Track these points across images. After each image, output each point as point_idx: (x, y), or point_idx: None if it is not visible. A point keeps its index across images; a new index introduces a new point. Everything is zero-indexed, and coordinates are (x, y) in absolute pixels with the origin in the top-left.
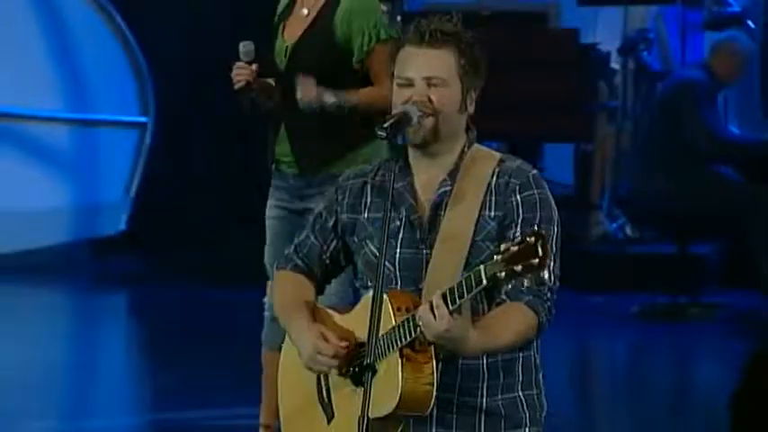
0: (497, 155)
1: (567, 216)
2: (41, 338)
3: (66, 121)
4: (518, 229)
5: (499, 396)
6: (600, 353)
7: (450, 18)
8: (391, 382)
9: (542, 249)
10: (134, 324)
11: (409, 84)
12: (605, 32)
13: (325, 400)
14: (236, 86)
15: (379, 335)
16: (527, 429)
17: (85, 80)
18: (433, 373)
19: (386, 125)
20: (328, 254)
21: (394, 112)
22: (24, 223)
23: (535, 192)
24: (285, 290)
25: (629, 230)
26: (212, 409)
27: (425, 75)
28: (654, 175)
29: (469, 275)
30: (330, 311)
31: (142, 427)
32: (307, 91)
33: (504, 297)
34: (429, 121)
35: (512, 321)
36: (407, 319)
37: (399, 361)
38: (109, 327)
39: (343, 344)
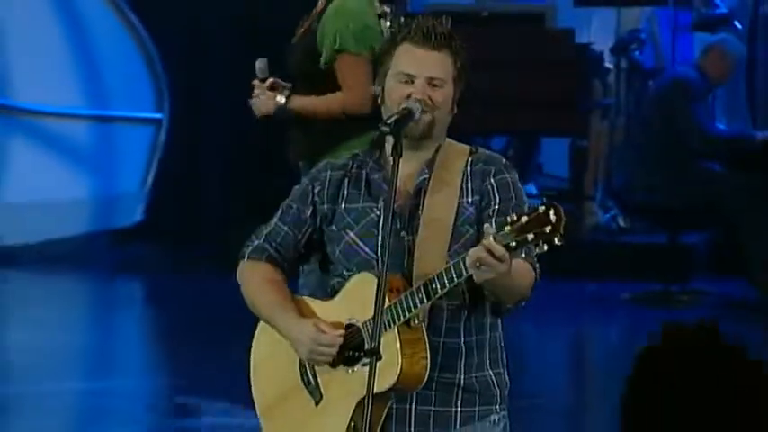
0: (467, 147)
1: (562, 207)
2: (62, 323)
3: (86, 117)
4: (497, 206)
5: (473, 373)
6: (593, 338)
7: (442, 21)
8: (390, 360)
9: (556, 217)
10: (150, 310)
11: (410, 80)
12: (599, 33)
13: (311, 383)
14: (257, 115)
15: (371, 316)
16: (497, 407)
17: (104, 79)
18: (426, 349)
19: (390, 121)
20: (302, 243)
21: (398, 108)
22: (46, 215)
23: (507, 175)
24: (263, 285)
25: (621, 221)
26: (224, 393)
27: (428, 75)
28: (645, 168)
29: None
30: (308, 301)
31: (157, 408)
32: (261, 105)
33: None
34: (427, 118)
35: (525, 270)
36: (411, 292)
37: (397, 338)
38: (126, 313)
39: (339, 332)
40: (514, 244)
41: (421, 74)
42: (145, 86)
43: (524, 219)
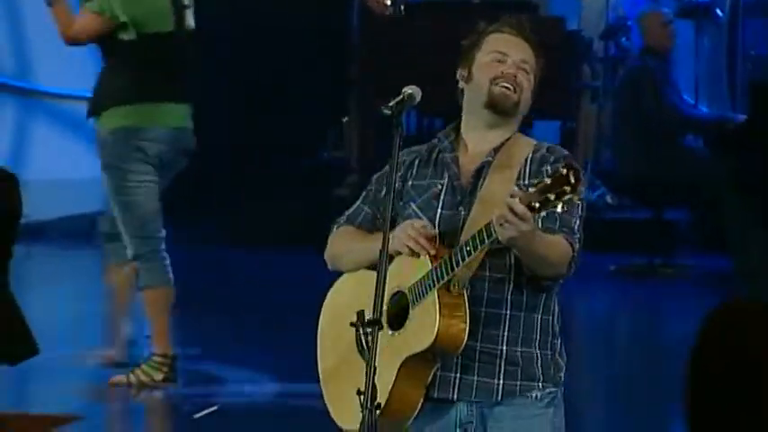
0: (534, 140)
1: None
2: (80, 295)
3: None
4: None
5: (518, 348)
6: (582, 308)
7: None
8: (428, 321)
9: (574, 177)
10: None
11: (502, 60)
12: (589, 20)
13: (365, 348)
14: None
15: (416, 280)
16: (541, 384)
17: None
18: (465, 313)
19: (391, 104)
20: (380, 217)
21: (487, 85)
22: (65, 192)
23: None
24: (347, 232)
25: (608, 198)
26: (233, 358)
27: (521, 57)
28: (631, 148)
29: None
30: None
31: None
32: None
33: None
34: (515, 96)
35: (558, 242)
36: (449, 256)
37: (437, 301)
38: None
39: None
40: (537, 205)
41: (514, 54)
42: None
43: (547, 180)
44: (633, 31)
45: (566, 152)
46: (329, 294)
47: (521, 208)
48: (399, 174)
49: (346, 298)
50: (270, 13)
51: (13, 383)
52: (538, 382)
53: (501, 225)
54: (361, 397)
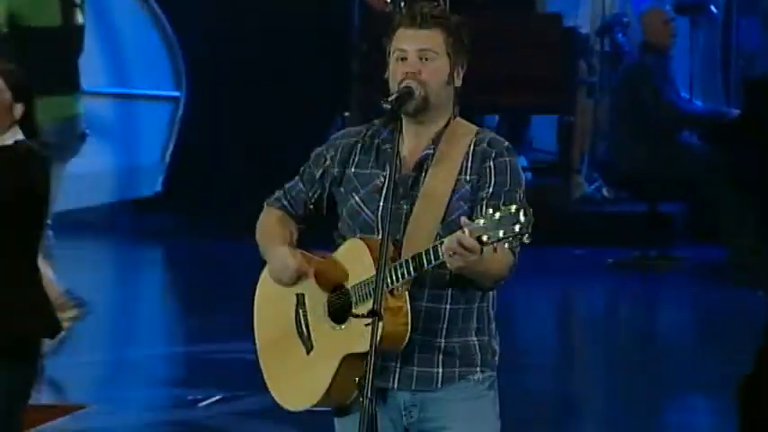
0: (475, 127)
1: (550, 179)
2: (89, 284)
3: (110, 95)
4: (491, 189)
5: (455, 338)
6: (580, 299)
7: (437, 4)
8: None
9: (524, 218)
10: (169, 273)
11: (404, 57)
12: (585, 17)
13: (305, 333)
14: None
15: (360, 281)
16: (478, 369)
17: (127, 61)
18: (407, 315)
19: (391, 99)
20: (312, 200)
21: (398, 88)
22: (74, 185)
23: (507, 159)
24: (270, 222)
25: (605, 192)
26: (235, 343)
27: (418, 47)
28: (627, 143)
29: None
30: (310, 255)
31: (175, 358)
32: None
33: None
34: (422, 92)
35: (501, 255)
36: (397, 265)
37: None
38: (147, 275)
39: (307, 266)
40: (486, 238)
41: (411, 48)
42: (164, 68)
43: (497, 215)
44: (633, 27)
45: (506, 144)
46: (264, 272)
47: (470, 242)
48: (337, 158)
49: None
50: (273, 13)
51: None
52: (476, 367)
53: (450, 256)
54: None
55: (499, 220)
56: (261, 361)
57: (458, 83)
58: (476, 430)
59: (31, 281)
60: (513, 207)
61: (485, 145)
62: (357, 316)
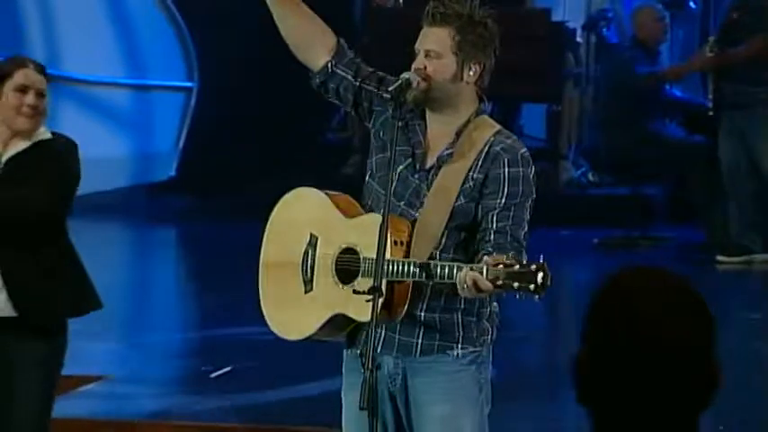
0: (496, 127)
1: (540, 165)
2: (105, 266)
3: (126, 86)
4: (503, 200)
5: (437, 314)
6: (567, 276)
7: (461, 0)
8: (367, 303)
9: (542, 279)
10: (182, 255)
11: (417, 53)
12: (572, 11)
13: (308, 274)
14: None
15: (371, 256)
16: (458, 345)
17: (142, 52)
18: (407, 296)
19: (391, 88)
20: (359, 79)
21: (401, 76)
22: (91, 170)
23: (521, 169)
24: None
25: (591, 176)
26: (248, 326)
27: (425, 48)
28: (611, 130)
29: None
30: (347, 202)
31: (188, 341)
32: None
33: (489, 249)
34: (423, 85)
35: None
36: (410, 263)
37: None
38: (161, 257)
39: None
40: (500, 283)
41: (420, 47)
42: (177, 59)
43: (516, 267)
44: (618, 21)
45: (521, 151)
46: (291, 195)
47: (485, 285)
48: (380, 114)
49: (303, 212)
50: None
51: None
52: (456, 343)
53: (462, 288)
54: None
55: (517, 273)
56: (260, 276)
57: (469, 79)
58: (453, 401)
59: (72, 261)
60: (534, 266)
61: (499, 148)
62: (358, 292)
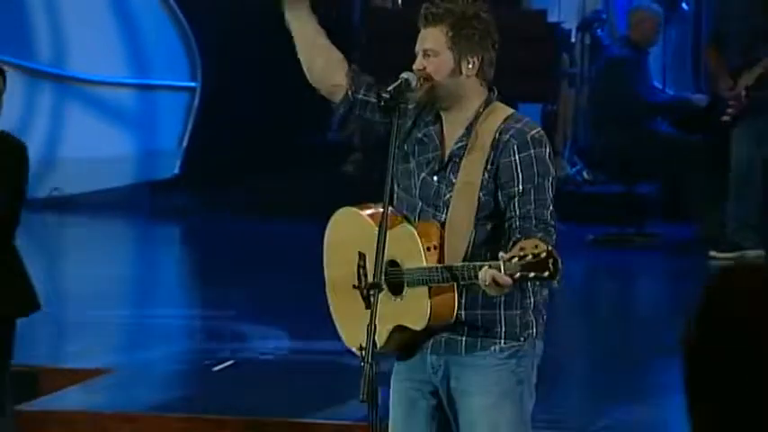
0: (505, 113)
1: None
2: (110, 261)
3: (131, 85)
4: (521, 186)
5: (479, 311)
6: (565, 274)
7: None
8: (421, 308)
9: (553, 266)
10: (185, 250)
11: (416, 55)
12: (567, 13)
13: (364, 292)
14: None
15: (414, 266)
16: (502, 341)
17: (146, 53)
18: (454, 297)
19: (390, 88)
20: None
21: (400, 76)
22: (97, 168)
23: (532, 151)
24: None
25: (585, 174)
26: (249, 322)
27: (422, 48)
28: (605, 129)
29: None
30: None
31: (191, 335)
32: None
33: (518, 236)
34: (425, 85)
35: None
36: (439, 269)
37: (428, 295)
38: (165, 252)
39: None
40: (518, 276)
41: (419, 48)
42: (181, 59)
43: (529, 257)
44: (612, 22)
45: (532, 133)
46: (339, 214)
47: (504, 280)
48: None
49: (348, 232)
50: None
51: (46, 339)
52: (499, 338)
53: (485, 285)
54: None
55: (531, 263)
56: (328, 296)
57: (469, 73)
58: (490, 394)
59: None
60: (544, 254)
61: (508, 136)
62: (401, 291)
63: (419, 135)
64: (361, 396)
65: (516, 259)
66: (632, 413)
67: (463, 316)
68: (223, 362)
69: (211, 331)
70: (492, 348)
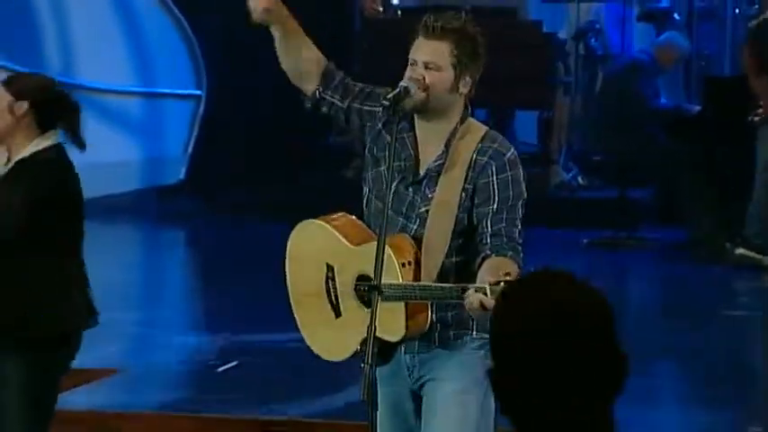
0: (482, 131)
1: (532, 169)
2: (117, 265)
3: (137, 93)
4: (495, 205)
5: (450, 312)
6: None
7: (455, 15)
8: (397, 321)
9: None
10: (190, 254)
11: (413, 64)
12: (563, 24)
13: (334, 302)
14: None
15: (386, 281)
16: (473, 332)
17: (152, 62)
18: (428, 308)
19: (389, 96)
20: (349, 98)
21: (399, 85)
22: (104, 174)
23: (509, 174)
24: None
25: (580, 179)
26: (253, 326)
27: (425, 60)
28: (599, 136)
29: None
30: (353, 226)
31: (197, 337)
32: None
33: (488, 252)
34: (421, 95)
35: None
36: (418, 287)
37: (404, 310)
38: (170, 256)
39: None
40: None
41: (419, 58)
42: (186, 68)
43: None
44: (604, 32)
45: (508, 155)
46: (298, 227)
47: (491, 304)
48: (374, 126)
49: (313, 245)
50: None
51: None
52: (470, 330)
53: (471, 309)
54: (362, 349)
55: None
56: (294, 309)
57: (463, 91)
58: (461, 380)
59: (63, 277)
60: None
61: (487, 157)
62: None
63: (389, 139)
64: (361, 396)
65: (503, 284)
66: (623, 413)
67: (435, 318)
68: (228, 363)
69: (216, 332)
70: (463, 338)
